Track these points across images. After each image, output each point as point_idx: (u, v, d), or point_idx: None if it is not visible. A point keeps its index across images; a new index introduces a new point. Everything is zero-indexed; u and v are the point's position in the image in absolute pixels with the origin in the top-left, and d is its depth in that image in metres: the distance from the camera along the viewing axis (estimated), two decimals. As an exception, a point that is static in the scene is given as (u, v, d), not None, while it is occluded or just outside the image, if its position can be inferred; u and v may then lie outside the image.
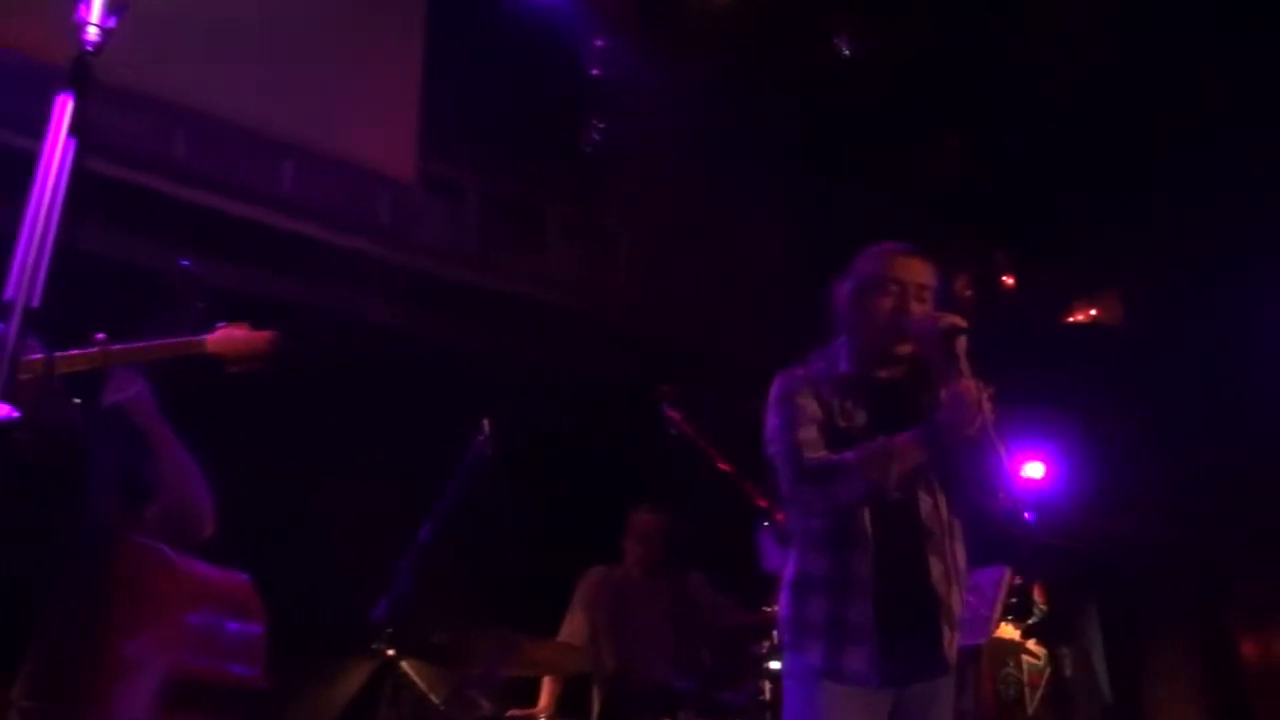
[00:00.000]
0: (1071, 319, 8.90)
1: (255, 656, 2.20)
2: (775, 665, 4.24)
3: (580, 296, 7.28)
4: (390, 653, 3.85)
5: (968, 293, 8.37)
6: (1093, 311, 8.92)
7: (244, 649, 2.19)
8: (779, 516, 3.28)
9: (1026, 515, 2.62)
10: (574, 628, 4.90)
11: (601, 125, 7.12)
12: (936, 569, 2.63)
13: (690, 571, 5.06)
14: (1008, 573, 2.42)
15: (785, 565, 2.80)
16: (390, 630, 3.73)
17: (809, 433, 2.69)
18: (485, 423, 3.97)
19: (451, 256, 6.79)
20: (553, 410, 6.43)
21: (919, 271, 2.80)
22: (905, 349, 2.73)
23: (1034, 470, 7.60)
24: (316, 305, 6.21)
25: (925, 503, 2.69)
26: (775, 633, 4.20)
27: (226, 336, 2.54)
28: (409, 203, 6.59)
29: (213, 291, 2.57)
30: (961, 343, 2.59)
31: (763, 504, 3.35)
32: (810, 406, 2.74)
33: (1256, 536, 9.08)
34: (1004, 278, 8.63)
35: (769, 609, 4.35)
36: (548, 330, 7.09)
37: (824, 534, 2.68)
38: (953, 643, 2.63)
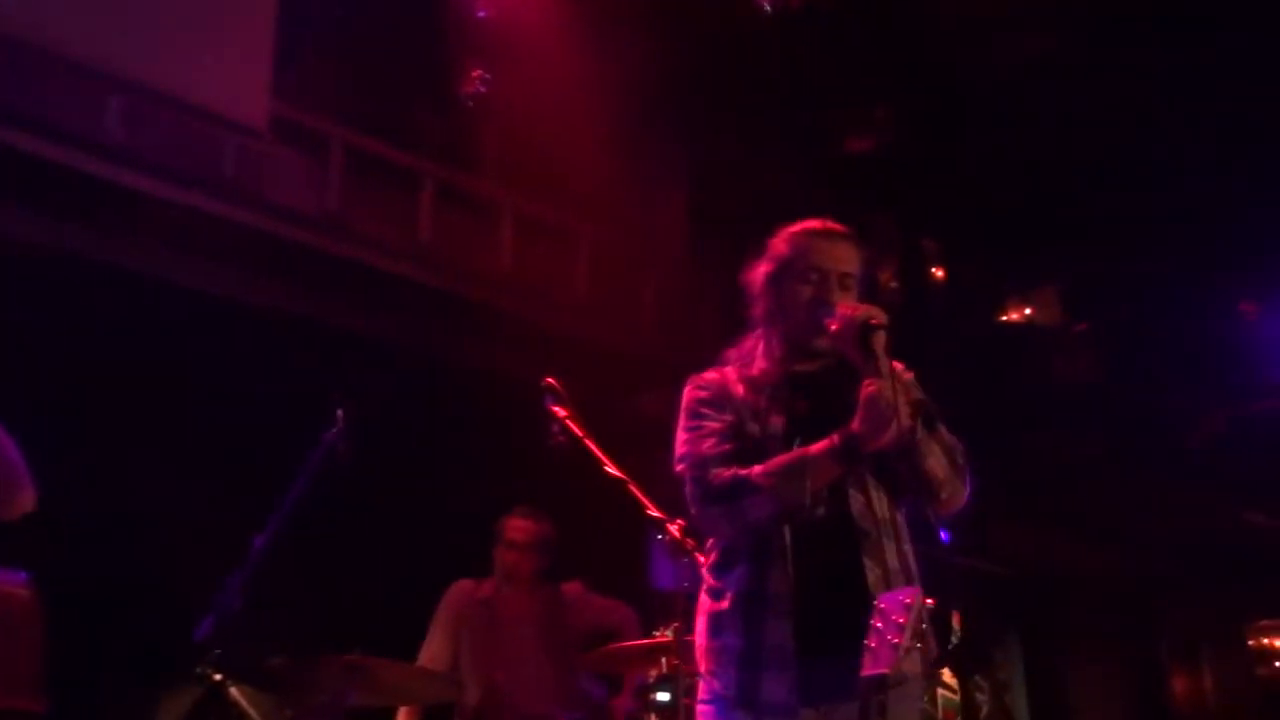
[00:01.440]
0: (1004, 318, 9.14)
1: (25, 674, 2.09)
2: (664, 696, 4.26)
3: (456, 273, 7.21)
4: (217, 677, 3.76)
5: (892, 285, 8.53)
6: (1028, 310, 9.17)
7: (10, 666, 2.08)
8: (674, 530, 3.29)
9: (942, 533, 2.66)
10: (435, 650, 4.85)
11: (487, 76, 7.05)
12: (873, 573, 2.64)
13: (566, 585, 5.06)
14: (918, 595, 2.45)
15: (698, 588, 2.83)
16: (218, 651, 3.64)
17: (716, 446, 2.71)
18: (339, 414, 3.90)
19: (307, 220, 6.65)
20: (418, 402, 6.37)
21: (842, 257, 2.81)
22: (824, 343, 2.75)
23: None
24: (145, 271, 6.03)
25: (856, 501, 2.69)
26: (664, 659, 4.23)
27: None
28: (258, 154, 6.44)
29: None
30: (880, 339, 2.61)
31: (657, 515, 3.35)
32: (720, 414, 2.76)
33: (1189, 564, 9.47)
34: (932, 270, 8.81)
35: (659, 633, 4.39)
36: (417, 310, 7.00)
37: (741, 550, 2.70)
38: (865, 662, 2.66)
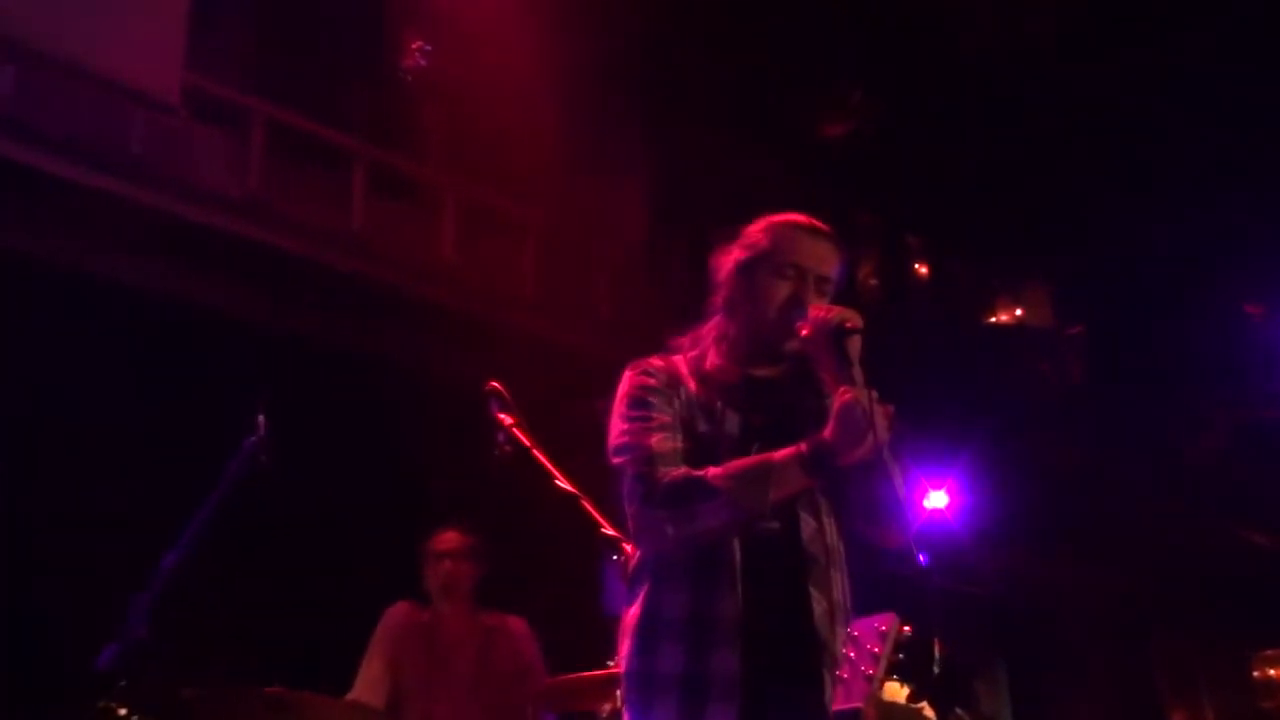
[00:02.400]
0: (993, 319, 9.23)
1: None
2: (619, 732, 4.25)
3: (392, 264, 7.18)
4: (122, 712, 3.72)
5: (872, 283, 8.59)
6: (1018, 311, 9.27)
7: None
8: (630, 549, 3.28)
9: (920, 555, 2.66)
10: (370, 680, 4.80)
11: (427, 48, 7.03)
12: (820, 605, 2.64)
13: (511, 617, 5.07)
14: (895, 622, 2.44)
15: (629, 604, 2.79)
16: (123, 683, 3.60)
17: (665, 441, 2.67)
18: (260, 419, 3.86)
19: (225, 203, 6.62)
20: (349, 406, 6.33)
21: (824, 258, 2.80)
22: (792, 346, 2.75)
23: (936, 499, 7.84)
24: (44, 258, 5.97)
25: (807, 525, 2.68)
26: (619, 692, 4.22)
27: None
28: (170, 131, 6.39)
29: None
30: (855, 345, 2.61)
31: (611, 534, 3.34)
32: (668, 407, 2.73)
33: (1187, 588, 9.59)
34: (916, 267, 8.89)
35: (613, 663, 4.38)
36: (348, 304, 6.97)
37: (681, 564, 2.68)
38: (837, 695, 2.65)
